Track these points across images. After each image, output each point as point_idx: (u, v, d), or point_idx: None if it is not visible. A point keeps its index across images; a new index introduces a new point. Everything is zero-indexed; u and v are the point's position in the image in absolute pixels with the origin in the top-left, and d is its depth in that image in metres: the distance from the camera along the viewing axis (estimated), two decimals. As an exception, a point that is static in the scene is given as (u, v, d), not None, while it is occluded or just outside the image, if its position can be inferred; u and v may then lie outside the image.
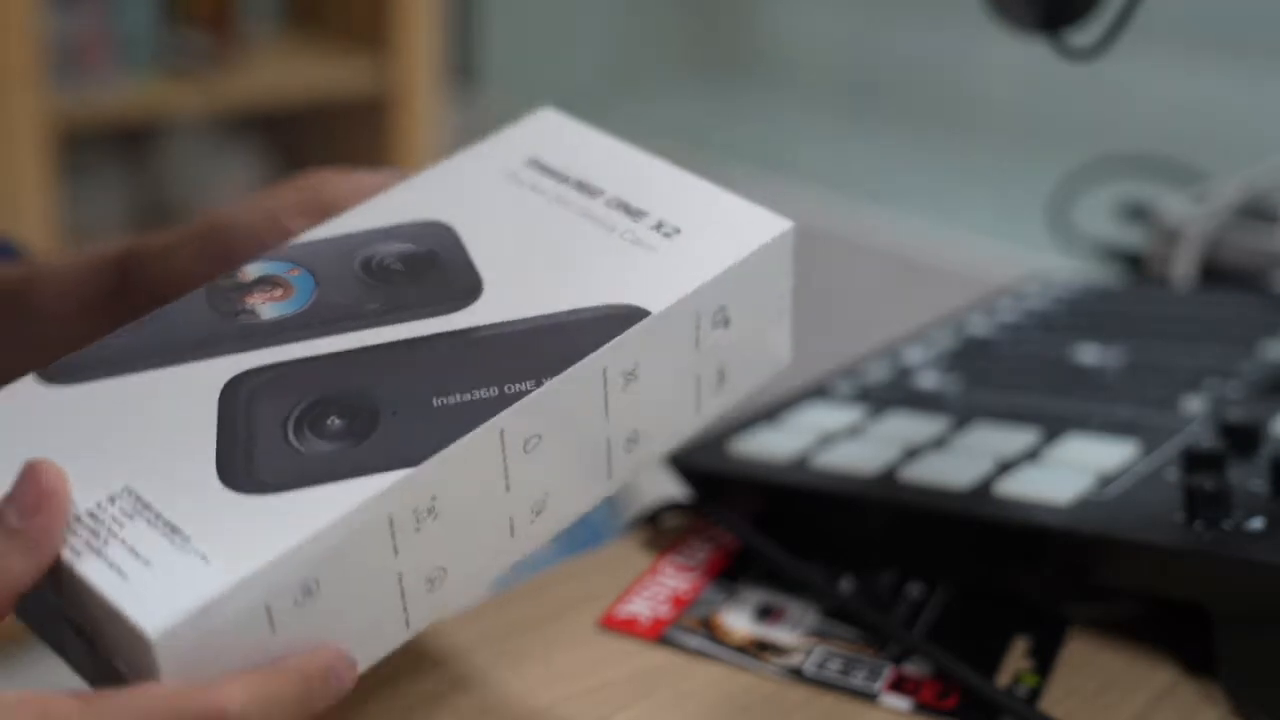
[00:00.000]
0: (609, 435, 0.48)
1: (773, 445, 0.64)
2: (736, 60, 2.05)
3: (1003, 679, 0.55)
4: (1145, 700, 0.54)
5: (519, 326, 0.46)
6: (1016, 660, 0.56)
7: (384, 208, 0.52)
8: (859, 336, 0.95)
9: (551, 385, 0.44)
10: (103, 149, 1.90)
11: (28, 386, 0.45)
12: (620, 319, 0.46)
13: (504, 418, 0.44)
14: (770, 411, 0.69)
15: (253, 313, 0.48)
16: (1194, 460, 0.55)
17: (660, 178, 0.52)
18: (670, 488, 0.67)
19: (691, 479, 0.64)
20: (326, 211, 0.53)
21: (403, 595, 0.43)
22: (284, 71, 1.88)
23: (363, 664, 0.43)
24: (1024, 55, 0.93)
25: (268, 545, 0.40)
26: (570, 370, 0.45)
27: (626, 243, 0.49)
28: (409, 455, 0.42)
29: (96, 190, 1.86)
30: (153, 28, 1.75)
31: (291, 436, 0.43)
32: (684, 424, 0.51)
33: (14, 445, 0.43)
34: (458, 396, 0.44)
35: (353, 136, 1.94)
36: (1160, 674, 0.55)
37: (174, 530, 0.40)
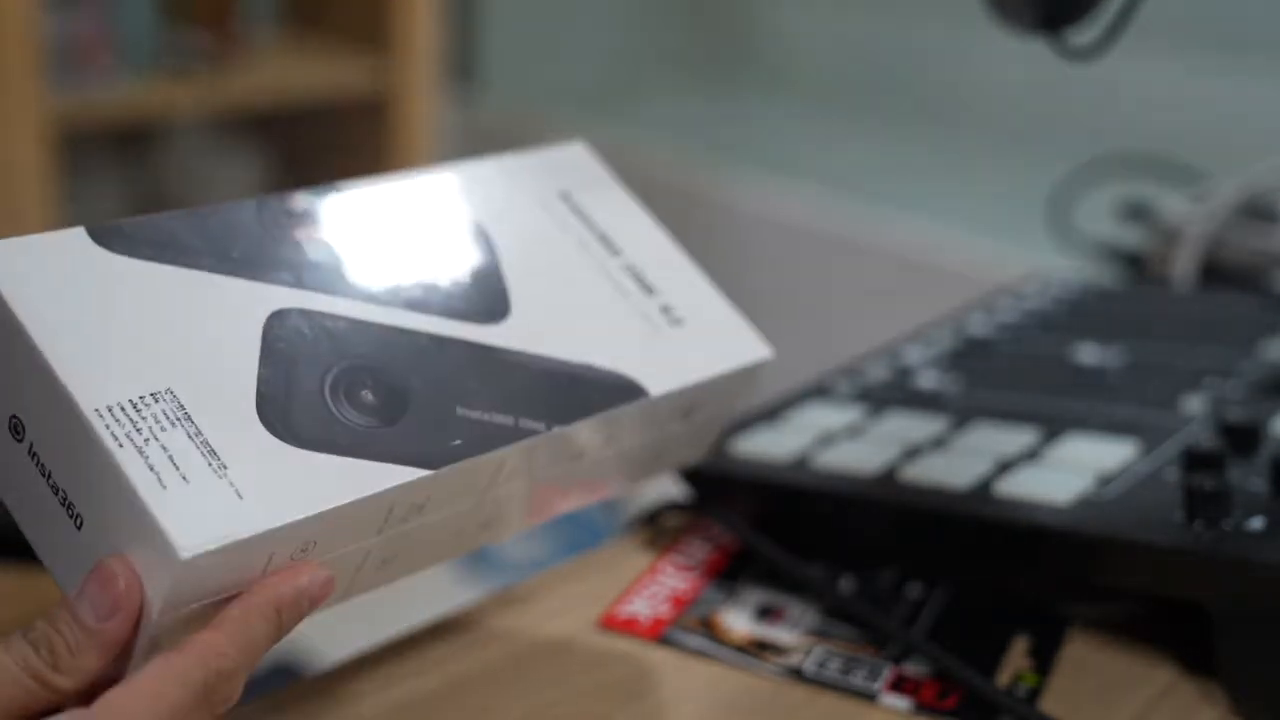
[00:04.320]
0: (569, 473, 0.52)
1: (773, 445, 0.64)
2: (736, 60, 2.04)
3: (1003, 679, 0.55)
4: (1145, 700, 0.54)
5: (540, 363, 0.50)
6: (1016, 660, 0.56)
7: (424, 200, 0.53)
8: (859, 336, 0.95)
9: (556, 432, 0.48)
10: (103, 149, 1.90)
11: (78, 240, 0.45)
12: (624, 389, 0.51)
13: (512, 450, 0.47)
14: (770, 411, 0.69)
15: (299, 248, 0.48)
16: (1194, 460, 0.55)
17: (667, 259, 0.57)
18: (670, 488, 0.67)
19: (691, 479, 0.64)
20: None
21: (359, 568, 0.46)
22: (284, 71, 1.87)
23: None
24: (1024, 55, 0.92)
25: (298, 502, 0.42)
26: (576, 423, 0.49)
27: (638, 315, 0.54)
28: (430, 456, 0.45)
29: (96, 190, 1.86)
30: (153, 28, 1.75)
31: (328, 397, 0.45)
32: (613, 484, 0.56)
33: (64, 303, 0.43)
34: (479, 413, 0.47)
35: (352, 136, 1.94)
36: (1160, 674, 0.55)
37: (213, 454, 0.42)
